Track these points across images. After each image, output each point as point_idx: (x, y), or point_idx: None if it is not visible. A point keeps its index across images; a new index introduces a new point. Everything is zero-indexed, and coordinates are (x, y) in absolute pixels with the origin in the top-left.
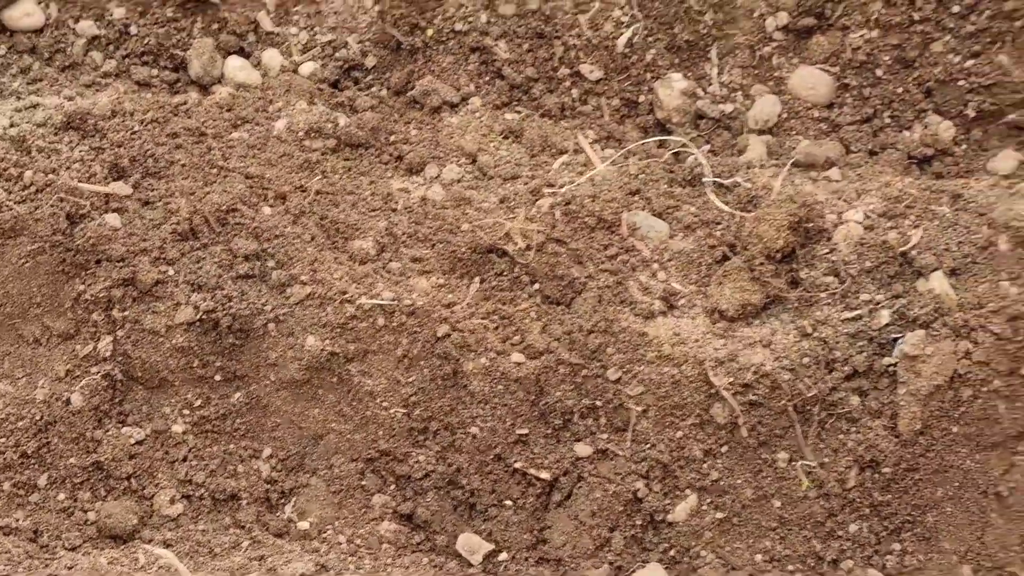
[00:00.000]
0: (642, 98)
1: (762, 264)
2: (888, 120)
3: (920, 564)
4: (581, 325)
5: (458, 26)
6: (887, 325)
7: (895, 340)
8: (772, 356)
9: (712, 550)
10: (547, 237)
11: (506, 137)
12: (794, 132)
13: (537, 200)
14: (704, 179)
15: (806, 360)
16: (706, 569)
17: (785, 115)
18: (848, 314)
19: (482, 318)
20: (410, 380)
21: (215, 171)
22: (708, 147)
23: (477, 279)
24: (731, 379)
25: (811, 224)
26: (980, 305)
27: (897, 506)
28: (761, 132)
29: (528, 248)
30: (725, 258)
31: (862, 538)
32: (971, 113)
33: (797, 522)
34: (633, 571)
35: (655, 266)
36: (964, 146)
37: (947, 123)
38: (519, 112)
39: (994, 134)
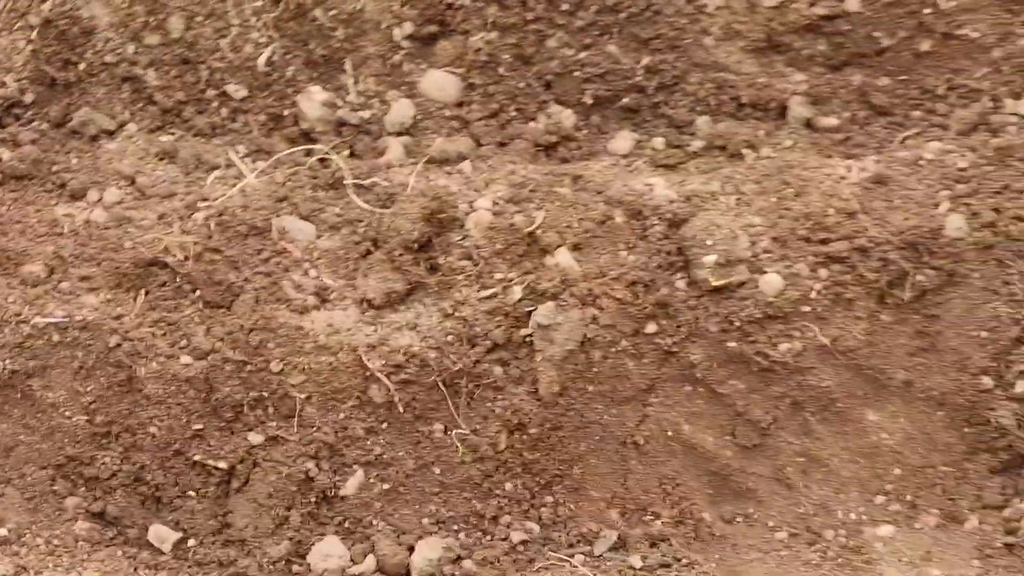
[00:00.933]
0: (286, 112)
1: (402, 255)
2: (514, 113)
3: (572, 512)
4: (242, 325)
5: (108, 59)
6: (520, 300)
7: (529, 313)
8: (419, 337)
9: (382, 518)
10: (204, 247)
11: (162, 158)
12: (429, 131)
13: (193, 214)
14: (345, 182)
15: (450, 338)
16: (378, 536)
17: (419, 116)
18: (484, 293)
19: (150, 326)
20: (89, 389)
21: None
22: (351, 152)
23: (143, 291)
24: (383, 361)
25: (444, 214)
26: (603, 274)
27: (546, 462)
28: (399, 134)
29: (186, 259)
30: (369, 252)
31: (517, 494)
32: (589, 100)
33: (457, 486)
34: (312, 544)
35: (306, 265)
36: (585, 131)
37: (568, 111)
38: (173, 134)
39: (611, 118)
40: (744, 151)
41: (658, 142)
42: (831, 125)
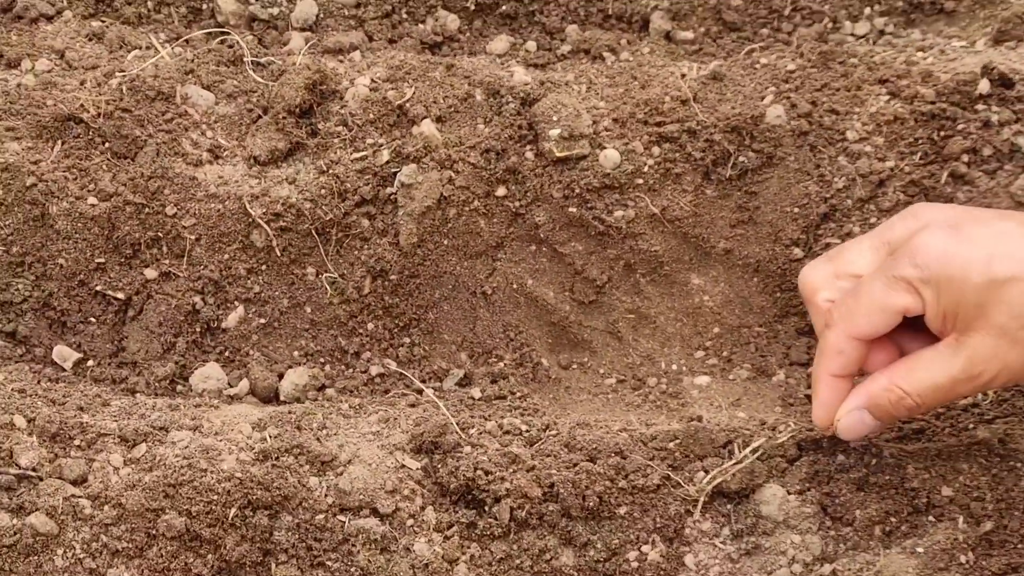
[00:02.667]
0: (205, 6)
1: (286, 118)
2: (405, 16)
3: (426, 353)
4: (143, 173)
5: None
6: (387, 161)
7: (394, 173)
8: (296, 190)
9: (258, 349)
10: (115, 107)
11: (91, 39)
12: (330, 28)
13: (109, 81)
14: (245, 59)
15: (323, 192)
16: (253, 364)
17: (322, 15)
18: (356, 155)
19: (64, 171)
20: (7, 223)
21: None
22: (259, 42)
23: (59, 142)
24: (264, 210)
25: (325, 87)
26: (461, 143)
27: (404, 307)
28: (303, 29)
29: (99, 115)
30: (259, 118)
31: (378, 334)
32: (472, 7)
33: (325, 324)
34: (195, 368)
35: (204, 127)
36: (468, 34)
37: (453, 16)
38: (103, 21)
39: (491, 23)
40: (605, 54)
41: (531, 45)
42: (687, 38)
